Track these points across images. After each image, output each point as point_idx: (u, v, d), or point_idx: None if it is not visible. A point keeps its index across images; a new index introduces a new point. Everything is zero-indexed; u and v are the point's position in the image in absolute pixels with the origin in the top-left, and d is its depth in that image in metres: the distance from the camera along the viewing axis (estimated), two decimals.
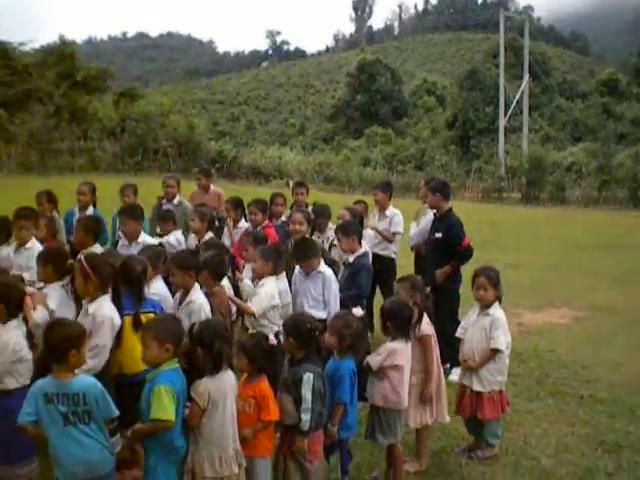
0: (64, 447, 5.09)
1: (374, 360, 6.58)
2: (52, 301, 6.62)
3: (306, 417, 5.85)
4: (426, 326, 7.05)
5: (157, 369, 5.32)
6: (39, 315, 6.33)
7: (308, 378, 5.88)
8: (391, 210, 11.31)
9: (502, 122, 59.48)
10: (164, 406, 5.12)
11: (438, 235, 10.02)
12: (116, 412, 5.28)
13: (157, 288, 7.28)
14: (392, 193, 11.60)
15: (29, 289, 6.35)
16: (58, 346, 5.09)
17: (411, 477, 6.96)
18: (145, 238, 9.14)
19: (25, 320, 6.14)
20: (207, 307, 6.97)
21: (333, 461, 6.41)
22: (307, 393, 5.85)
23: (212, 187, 12.69)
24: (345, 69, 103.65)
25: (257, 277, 7.85)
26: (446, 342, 8.63)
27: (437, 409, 7.14)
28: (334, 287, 8.17)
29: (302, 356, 6.02)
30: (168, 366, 5.30)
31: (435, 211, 10.27)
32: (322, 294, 8.13)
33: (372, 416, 6.73)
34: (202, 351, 5.36)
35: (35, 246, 8.13)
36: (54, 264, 6.81)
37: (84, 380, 5.21)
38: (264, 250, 7.88)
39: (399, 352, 6.60)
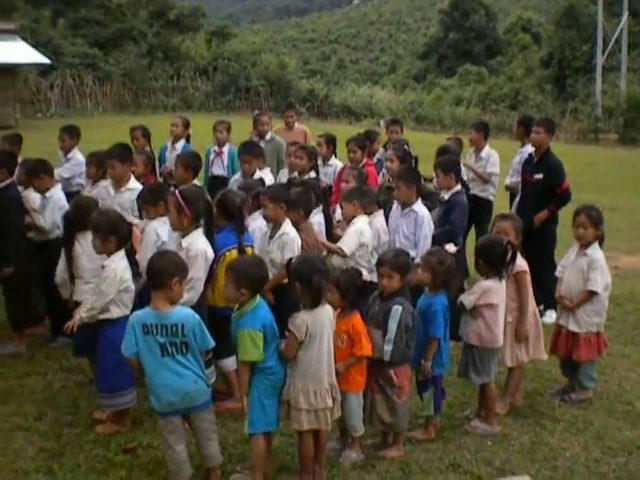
0: (161, 378, 5.18)
1: (468, 299, 6.51)
2: (163, 234, 6.76)
3: (388, 347, 5.85)
4: (522, 261, 6.88)
5: (240, 309, 5.34)
6: (149, 247, 6.59)
7: (396, 310, 5.88)
8: (487, 151, 11.05)
9: (600, 61, 57.56)
10: (249, 349, 5.17)
11: (538, 176, 9.72)
12: (212, 343, 5.37)
13: (254, 225, 7.33)
14: (488, 134, 11.31)
15: (134, 221, 6.48)
16: (162, 272, 5.19)
17: (503, 417, 6.89)
18: (266, 173, 9.29)
19: (132, 251, 6.29)
20: (299, 240, 7.02)
21: (426, 398, 6.38)
22: (393, 325, 5.86)
23: (297, 124, 12.62)
24: (438, 6, 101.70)
25: (347, 219, 7.79)
26: (540, 283, 8.49)
27: (534, 347, 7.03)
28: (426, 228, 8.06)
29: (396, 290, 5.98)
30: (250, 306, 5.30)
31: (532, 151, 9.95)
32: (414, 233, 8.04)
33: (466, 355, 6.68)
34: (300, 286, 5.33)
35: (136, 185, 8.18)
36: (165, 200, 6.84)
37: (182, 311, 5.30)
38: (347, 192, 7.82)
39: (493, 290, 6.51)
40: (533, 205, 9.68)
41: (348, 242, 7.49)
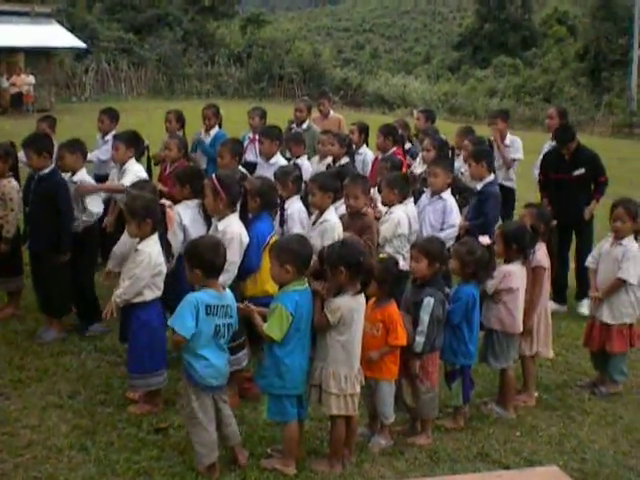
0: (214, 357, 5.27)
1: (489, 284, 6.53)
2: (186, 218, 6.82)
3: (420, 339, 5.88)
4: (543, 257, 6.89)
5: (283, 287, 5.39)
6: (176, 231, 6.68)
7: (428, 302, 5.90)
8: (510, 137, 10.99)
9: (636, 54, 56.85)
10: (276, 325, 5.20)
11: (579, 172, 9.62)
12: (237, 326, 5.48)
13: (293, 208, 7.37)
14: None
15: (166, 202, 6.53)
16: (213, 261, 5.29)
17: (531, 408, 6.91)
18: (279, 159, 9.29)
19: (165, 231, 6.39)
20: (340, 228, 7.03)
21: (454, 388, 6.40)
22: (425, 316, 5.88)
23: (332, 113, 12.63)
24: None
25: (383, 203, 7.81)
26: (579, 278, 8.49)
27: (540, 342, 7.01)
28: (454, 216, 8.10)
29: (428, 278, 6.01)
30: (293, 287, 5.33)
31: (551, 147, 9.91)
32: (440, 221, 8.08)
33: (486, 339, 6.71)
34: (346, 270, 5.28)
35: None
36: (191, 184, 6.96)
37: (229, 293, 5.43)
38: (390, 178, 7.82)
39: (514, 275, 6.53)
40: (579, 200, 9.62)
41: (385, 230, 7.52)
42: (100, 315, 7.94)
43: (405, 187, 7.74)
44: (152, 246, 6.21)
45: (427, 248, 6.10)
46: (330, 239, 6.67)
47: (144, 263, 6.12)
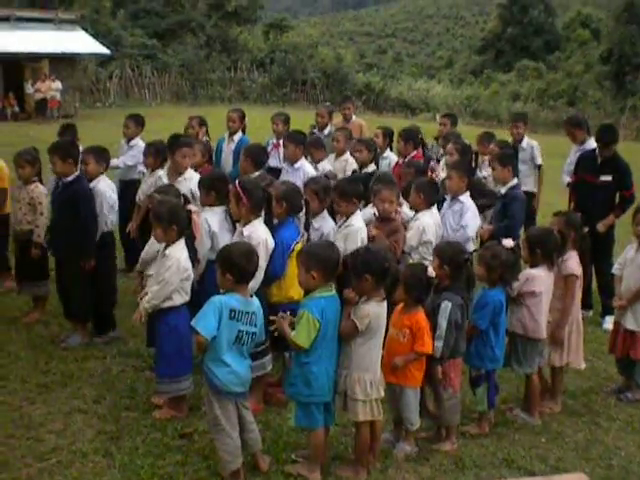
0: (233, 365, 5.24)
1: (512, 287, 6.49)
2: (214, 224, 6.82)
3: (438, 344, 5.84)
4: (575, 266, 6.83)
5: (310, 294, 5.39)
6: (203, 237, 6.70)
7: (446, 307, 5.87)
8: (527, 141, 10.92)
9: None
10: (304, 333, 5.19)
11: (606, 178, 9.42)
12: (263, 336, 5.48)
13: (327, 227, 7.27)
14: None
15: (192, 208, 6.53)
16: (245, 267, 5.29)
17: (557, 414, 6.86)
18: (304, 163, 9.27)
19: (191, 237, 6.41)
20: (364, 233, 7.00)
21: (479, 394, 6.37)
22: (443, 321, 5.86)
23: (354, 117, 12.65)
24: (496, 0, 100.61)
25: (412, 209, 7.79)
26: (600, 287, 8.37)
27: (572, 353, 6.95)
28: (469, 217, 8.04)
29: (448, 284, 6.00)
30: (320, 293, 5.31)
31: (591, 149, 9.81)
32: (459, 223, 8.05)
33: (510, 344, 6.67)
34: (372, 278, 5.27)
35: (194, 175, 8.24)
36: (216, 190, 6.94)
37: (257, 301, 5.42)
38: (418, 183, 7.80)
39: (538, 278, 6.49)
40: (599, 208, 9.38)
41: (409, 237, 7.49)
42: (112, 326, 8.08)
43: (432, 193, 7.70)
44: (180, 251, 6.21)
45: (440, 250, 6.16)
46: (353, 243, 6.66)
47: (173, 267, 6.12)
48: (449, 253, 6.07)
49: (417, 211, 7.72)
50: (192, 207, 6.55)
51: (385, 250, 5.61)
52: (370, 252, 5.44)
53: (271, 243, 6.29)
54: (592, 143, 10.06)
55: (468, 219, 8.03)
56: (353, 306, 5.36)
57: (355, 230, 6.95)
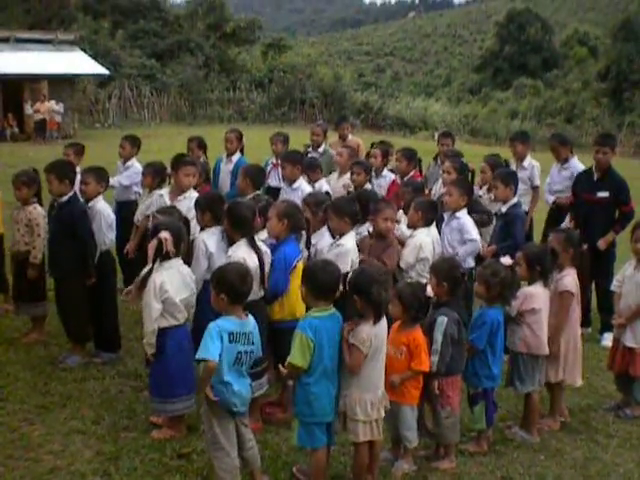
0: (234, 384, 5.24)
1: (511, 306, 6.51)
2: (212, 245, 6.81)
3: (433, 359, 5.86)
4: (571, 283, 6.85)
5: (307, 313, 5.41)
6: (200, 258, 6.74)
7: (442, 321, 5.89)
8: (529, 161, 10.92)
9: None
10: (298, 353, 5.20)
11: (603, 194, 9.47)
12: (260, 353, 5.47)
13: (323, 243, 7.35)
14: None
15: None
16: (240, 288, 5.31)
17: (555, 432, 6.86)
18: (302, 183, 9.30)
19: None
20: (354, 254, 7.00)
21: (477, 412, 6.37)
22: (438, 336, 5.87)
23: (350, 137, 12.67)
24: (494, 19, 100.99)
25: (410, 227, 7.82)
26: (600, 304, 8.33)
27: (568, 370, 6.95)
28: (471, 232, 8.10)
29: (446, 300, 6.02)
30: (314, 312, 5.33)
31: (586, 168, 9.83)
32: (458, 240, 8.11)
33: (512, 363, 6.70)
34: (359, 298, 5.30)
35: (194, 195, 8.26)
36: (212, 210, 6.97)
37: (252, 320, 5.43)
38: (418, 201, 7.83)
39: (536, 296, 6.52)
40: (598, 224, 9.43)
41: (406, 254, 7.52)
42: (116, 346, 8.08)
43: (430, 212, 7.73)
44: (159, 275, 6.13)
45: (435, 267, 6.17)
46: (344, 263, 6.67)
47: (150, 291, 6.08)
48: (445, 269, 6.11)
49: (415, 228, 7.74)
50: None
51: (377, 270, 5.56)
52: (359, 272, 5.49)
53: (252, 263, 6.22)
54: (575, 161, 10.28)
55: (473, 233, 8.10)
56: (349, 331, 5.32)
57: (346, 250, 6.96)
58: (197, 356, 5.15)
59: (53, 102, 34.51)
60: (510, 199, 8.53)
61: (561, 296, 6.82)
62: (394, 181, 10.06)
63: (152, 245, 6.13)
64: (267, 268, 6.46)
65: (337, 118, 14.52)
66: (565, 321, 6.85)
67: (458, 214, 8.15)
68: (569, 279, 6.83)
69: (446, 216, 8.30)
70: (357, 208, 7.28)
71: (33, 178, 8.34)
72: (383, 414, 5.46)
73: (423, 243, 7.57)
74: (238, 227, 6.50)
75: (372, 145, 11.33)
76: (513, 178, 8.70)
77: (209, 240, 6.83)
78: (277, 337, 6.36)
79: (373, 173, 10.10)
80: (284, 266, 6.48)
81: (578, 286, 6.91)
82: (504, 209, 8.54)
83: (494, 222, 8.81)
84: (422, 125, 50.30)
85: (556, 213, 10.39)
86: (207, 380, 5.17)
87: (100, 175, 8.11)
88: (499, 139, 45.78)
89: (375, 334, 5.29)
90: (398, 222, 8.32)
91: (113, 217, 8.19)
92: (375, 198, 8.05)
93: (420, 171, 10.49)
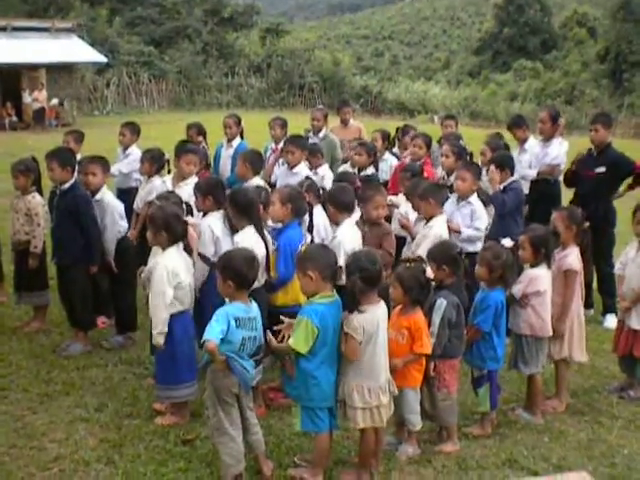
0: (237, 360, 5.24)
1: (516, 289, 6.50)
2: (217, 229, 6.82)
3: (430, 340, 5.83)
4: (575, 261, 6.84)
5: (310, 299, 5.37)
6: (207, 243, 6.75)
7: (440, 304, 5.87)
8: (531, 142, 10.82)
9: None
10: (302, 338, 5.17)
11: (600, 170, 9.46)
12: (263, 340, 5.43)
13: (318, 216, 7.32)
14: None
15: (190, 220, 6.51)
16: (246, 274, 5.30)
17: (559, 414, 6.84)
18: (303, 168, 9.29)
19: (189, 249, 6.38)
20: (347, 245, 6.77)
21: (481, 394, 6.36)
22: (436, 318, 5.86)
23: (352, 121, 12.63)
24: (492, 1, 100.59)
25: (424, 218, 7.72)
26: (600, 286, 8.31)
27: (573, 347, 6.95)
28: (483, 220, 8.08)
29: (446, 283, 6.01)
30: (321, 298, 5.28)
31: (592, 147, 9.79)
32: (469, 225, 8.04)
33: (516, 346, 6.69)
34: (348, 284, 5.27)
35: (194, 182, 8.23)
36: (214, 195, 6.96)
37: (255, 306, 5.42)
38: (421, 192, 7.70)
39: (540, 278, 6.50)
40: (598, 201, 9.38)
41: (426, 247, 7.37)
42: (132, 329, 8.11)
43: (438, 193, 7.64)
44: (169, 259, 6.14)
45: (431, 252, 6.14)
46: (338, 256, 6.63)
47: (160, 276, 6.06)
48: (441, 252, 6.10)
49: (430, 218, 7.60)
50: (190, 219, 6.53)
51: (367, 256, 5.45)
52: (351, 258, 5.43)
53: (259, 250, 6.19)
54: (532, 141, 10.41)
55: (482, 223, 8.10)
56: (345, 319, 5.30)
57: (338, 242, 6.83)
58: (204, 337, 5.10)
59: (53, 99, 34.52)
60: (506, 181, 8.50)
61: (566, 275, 6.81)
62: (403, 163, 9.95)
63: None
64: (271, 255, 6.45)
65: (338, 102, 14.42)
66: (571, 300, 6.84)
67: (471, 199, 8.11)
68: (573, 257, 6.82)
69: (454, 200, 8.23)
70: (352, 197, 7.23)
71: (31, 167, 8.30)
72: (385, 401, 5.41)
73: (443, 234, 7.44)
74: (244, 212, 6.49)
75: (397, 130, 11.35)
76: (508, 162, 8.66)
77: (215, 224, 6.84)
78: (279, 323, 6.34)
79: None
80: (289, 251, 6.43)
81: (581, 264, 6.90)
82: (501, 187, 8.49)
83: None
84: (421, 108, 50.23)
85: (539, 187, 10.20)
86: (213, 359, 5.16)
87: (105, 165, 8.13)
88: (499, 122, 45.64)
89: (368, 321, 5.24)
90: (397, 207, 8.30)
91: (122, 206, 8.20)
92: (371, 184, 7.99)
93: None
